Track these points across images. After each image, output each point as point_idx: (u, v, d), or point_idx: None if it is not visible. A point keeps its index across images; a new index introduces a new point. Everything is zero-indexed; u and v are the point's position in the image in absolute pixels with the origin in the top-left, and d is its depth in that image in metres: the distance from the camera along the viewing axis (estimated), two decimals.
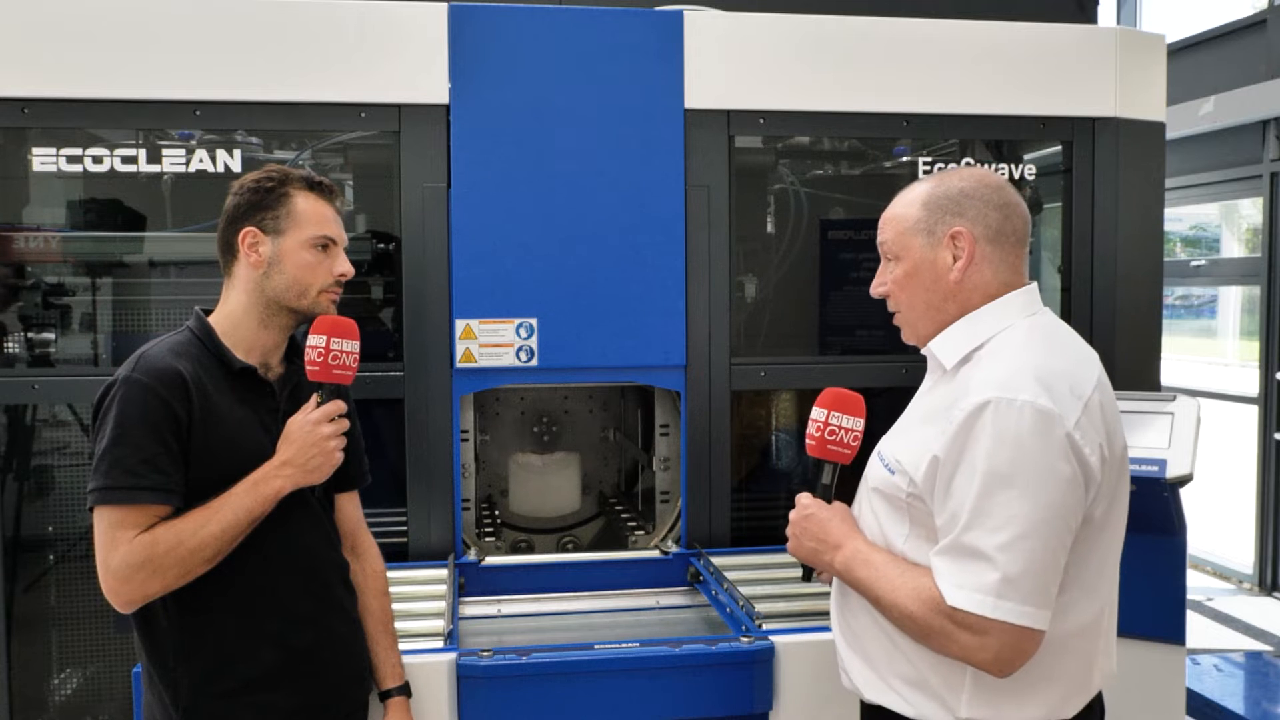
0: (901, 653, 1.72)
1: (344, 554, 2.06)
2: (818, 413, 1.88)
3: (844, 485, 1.98)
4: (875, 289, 1.85)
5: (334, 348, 1.89)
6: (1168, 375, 3.32)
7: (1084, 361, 1.70)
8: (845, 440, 1.87)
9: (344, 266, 1.97)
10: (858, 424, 1.87)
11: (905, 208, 1.79)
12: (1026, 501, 1.54)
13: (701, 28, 2.77)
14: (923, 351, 1.82)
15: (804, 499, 1.88)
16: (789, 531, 1.88)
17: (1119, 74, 2.95)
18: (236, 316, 1.92)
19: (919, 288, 1.77)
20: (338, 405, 1.89)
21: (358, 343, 1.93)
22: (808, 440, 1.91)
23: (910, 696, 1.71)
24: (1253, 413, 6.95)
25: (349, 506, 2.12)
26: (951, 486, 1.60)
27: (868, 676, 1.78)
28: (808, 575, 1.91)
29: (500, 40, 2.67)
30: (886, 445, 1.81)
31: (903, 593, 1.64)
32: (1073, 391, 1.60)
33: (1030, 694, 1.65)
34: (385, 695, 2.06)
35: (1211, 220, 9.34)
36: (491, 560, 2.79)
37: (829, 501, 1.87)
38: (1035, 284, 1.78)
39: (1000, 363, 1.64)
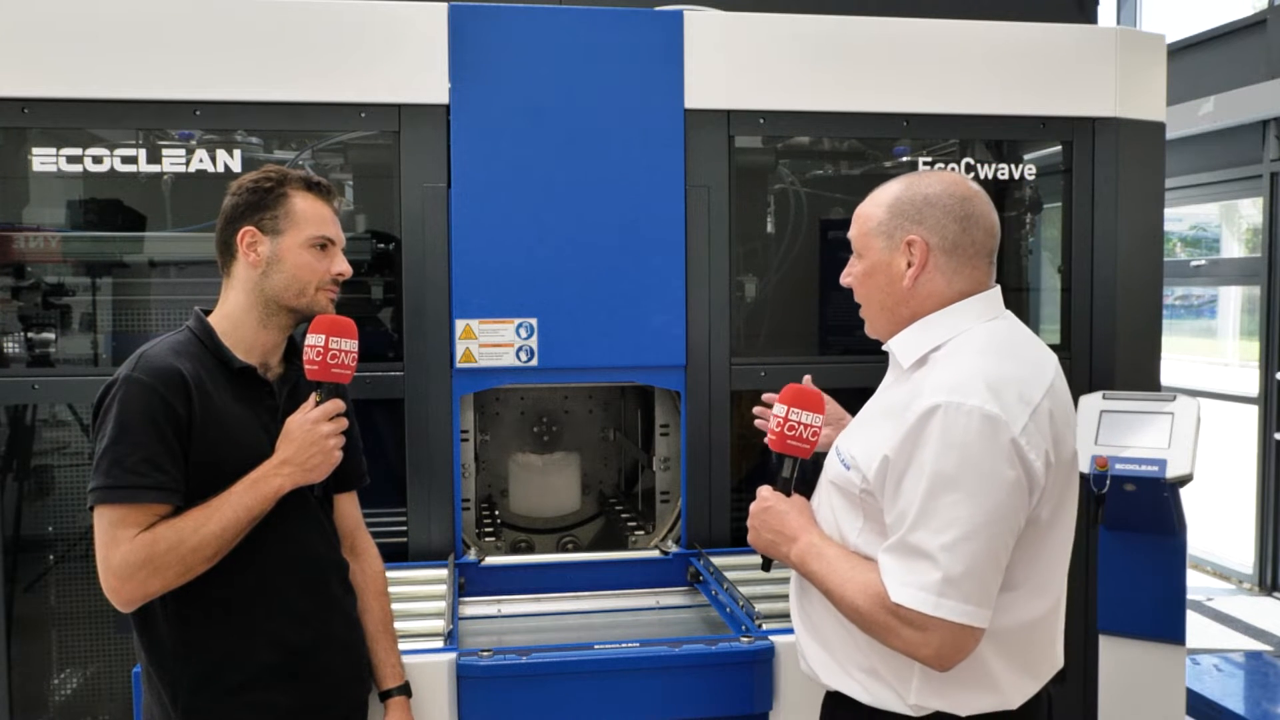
0: (855, 643, 1.75)
1: (343, 554, 2.06)
2: (778, 408, 1.92)
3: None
4: (842, 279, 1.89)
5: (333, 347, 1.89)
6: (1168, 375, 3.32)
7: (1038, 368, 1.72)
8: (804, 435, 1.90)
9: (342, 266, 1.98)
10: (816, 419, 1.91)
11: (873, 207, 1.82)
12: (971, 504, 1.58)
13: (701, 28, 2.77)
14: (884, 348, 1.85)
15: (764, 491, 1.92)
16: (749, 523, 1.92)
17: (1119, 74, 2.96)
18: (236, 316, 1.92)
19: (874, 287, 1.82)
20: (337, 404, 1.90)
21: (356, 342, 1.93)
22: (768, 435, 1.95)
23: (867, 684, 1.75)
24: (1253, 413, 6.95)
25: (348, 507, 2.12)
26: (901, 486, 1.64)
27: (826, 663, 1.82)
28: (766, 565, 1.97)
29: (500, 40, 2.67)
30: (843, 441, 1.85)
31: (851, 587, 1.69)
32: (1021, 398, 1.63)
33: (979, 684, 1.69)
34: (385, 695, 2.06)
35: (1211, 220, 9.34)
36: (491, 560, 2.79)
37: (788, 494, 1.91)
38: (998, 288, 1.80)
39: (953, 367, 1.67)
